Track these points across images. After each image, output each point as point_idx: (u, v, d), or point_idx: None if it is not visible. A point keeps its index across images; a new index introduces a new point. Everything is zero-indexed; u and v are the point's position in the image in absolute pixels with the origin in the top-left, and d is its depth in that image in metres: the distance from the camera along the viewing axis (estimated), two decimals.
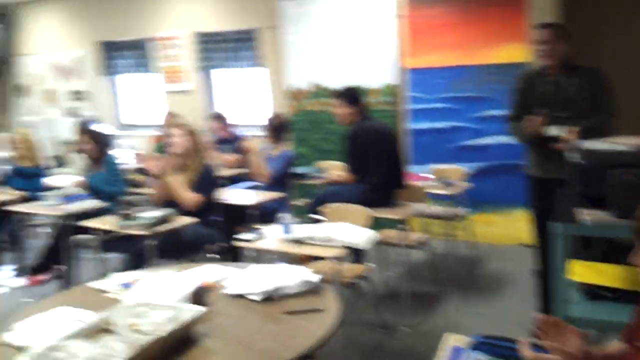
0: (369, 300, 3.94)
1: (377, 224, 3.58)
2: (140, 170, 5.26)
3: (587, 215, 2.07)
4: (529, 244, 4.97)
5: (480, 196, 5.29)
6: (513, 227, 5.35)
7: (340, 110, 4.13)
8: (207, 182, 4.00)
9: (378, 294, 4.08)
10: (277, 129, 4.93)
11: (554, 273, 2.08)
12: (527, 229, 5.13)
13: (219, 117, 6.03)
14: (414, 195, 4.31)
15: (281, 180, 4.80)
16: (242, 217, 4.29)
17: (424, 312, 3.95)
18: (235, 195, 4.57)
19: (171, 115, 6.29)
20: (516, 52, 5.14)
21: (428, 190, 4.46)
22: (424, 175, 5.01)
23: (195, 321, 1.92)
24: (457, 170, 5.06)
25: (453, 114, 5.54)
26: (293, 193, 5.35)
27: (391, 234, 4.23)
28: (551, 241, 2.06)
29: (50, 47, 8.30)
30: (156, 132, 6.57)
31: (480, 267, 4.89)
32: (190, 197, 3.87)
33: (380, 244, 4.22)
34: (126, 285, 2.40)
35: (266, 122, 5.00)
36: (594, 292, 2.22)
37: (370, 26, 5.84)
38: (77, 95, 8.20)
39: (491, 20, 5.27)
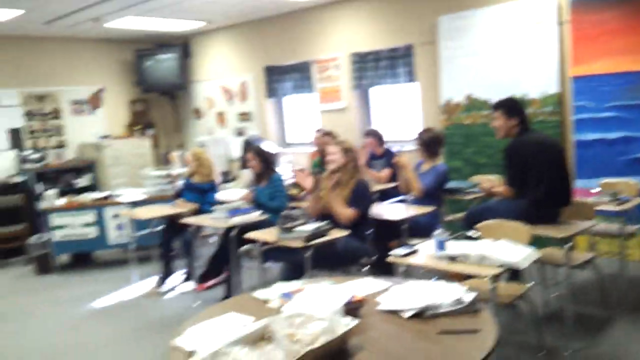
0: (528, 322, 3.73)
1: (539, 242, 3.38)
2: (296, 185, 5.53)
3: None
4: None
5: None
6: None
7: (499, 122, 3.97)
8: (361, 197, 4.10)
9: (538, 315, 3.84)
10: (430, 143, 4.89)
11: None
12: None
13: (373, 134, 6.13)
14: (580, 211, 3.99)
15: (434, 194, 4.75)
16: (396, 231, 4.32)
17: (590, 336, 3.65)
18: (388, 210, 4.61)
19: (321, 133, 6.53)
20: None
21: (596, 207, 4.11)
22: (591, 191, 4.64)
23: (348, 333, 1.97)
24: (629, 184, 4.61)
25: (625, 124, 5.07)
26: (446, 208, 5.27)
27: (554, 252, 3.98)
28: None
29: (221, 73, 9.08)
30: (312, 149, 6.88)
31: None
32: (345, 212, 4.00)
33: (542, 263, 4.00)
34: (287, 296, 2.52)
35: (418, 137, 4.99)
36: None
37: (530, 34, 5.59)
38: (244, 116, 8.86)
39: None
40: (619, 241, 4.35)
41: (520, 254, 2.98)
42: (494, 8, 5.82)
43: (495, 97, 5.52)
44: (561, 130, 5.51)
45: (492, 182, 4.19)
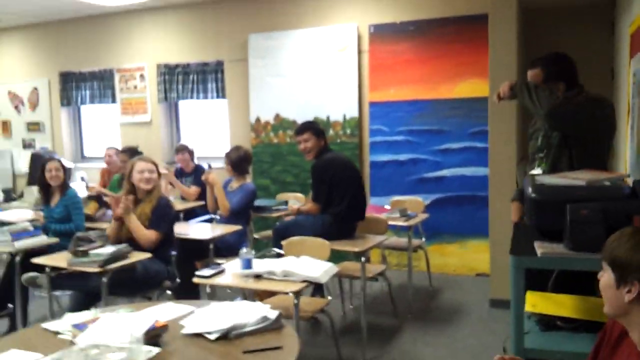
0: (328, 335, 3.90)
1: (337, 257, 3.57)
2: (95, 198, 5.13)
3: (542, 248, 2.10)
4: (486, 274, 5.07)
5: (438, 227, 5.39)
6: (469, 257, 5.44)
7: (311, 143, 4.15)
8: (163, 217, 3.87)
9: (337, 327, 4.04)
10: (238, 161, 4.87)
11: (513, 305, 2.10)
12: (482, 259, 5.25)
13: (186, 149, 5.96)
14: (374, 227, 4.32)
15: (241, 213, 4.75)
16: (201, 252, 4.22)
17: (382, 344, 3.93)
18: (193, 230, 4.49)
19: (115, 150, 6.11)
20: (476, 86, 5.30)
21: (388, 222, 4.48)
22: (384, 207, 5.05)
23: None
24: (416, 202, 5.13)
25: (413, 147, 5.64)
26: (253, 226, 5.31)
27: (351, 266, 4.23)
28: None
29: (9, 77, 8.11)
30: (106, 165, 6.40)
31: (437, 298, 4.92)
32: (145, 234, 3.73)
33: (340, 276, 4.22)
34: (79, 327, 2.30)
35: (227, 155, 4.96)
36: (549, 323, 2.25)
37: (334, 60, 5.94)
38: (34, 126, 8.01)
39: (453, 56, 5.45)
40: (407, 254, 4.78)
41: (320, 268, 3.11)
42: (301, 32, 6.09)
43: (302, 117, 5.79)
44: (359, 152, 5.93)
45: (303, 206, 4.34)
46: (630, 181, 2.18)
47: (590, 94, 2.78)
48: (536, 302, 2.27)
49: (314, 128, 4.21)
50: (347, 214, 4.05)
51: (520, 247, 2.18)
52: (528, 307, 2.19)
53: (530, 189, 2.25)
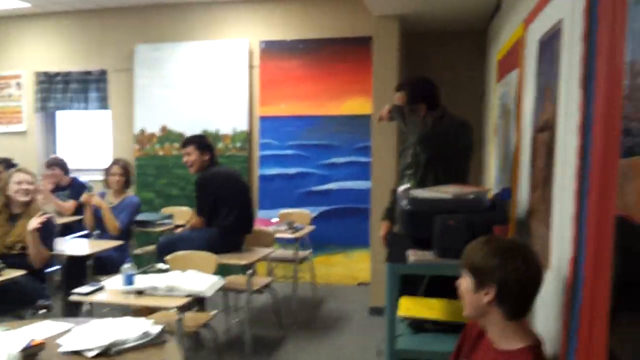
0: (212, 349, 3.86)
1: (224, 270, 3.56)
2: None
3: (414, 256, 2.25)
4: (367, 283, 5.28)
5: (324, 238, 5.53)
6: (352, 267, 5.64)
7: (194, 157, 4.12)
8: (51, 232, 3.71)
9: (221, 341, 4.02)
10: (121, 174, 4.69)
11: (387, 309, 2.23)
12: (364, 269, 5.47)
13: (58, 164, 5.60)
14: (262, 239, 4.36)
15: (124, 228, 4.58)
16: (81, 268, 4.01)
17: (266, 356, 3.96)
18: (73, 246, 4.26)
19: None
20: (362, 104, 5.55)
21: (275, 235, 4.54)
22: (272, 220, 5.11)
23: None
24: (303, 214, 5.24)
25: (302, 161, 5.77)
26: (136, 241, 5.13)
27: (237, 279, 4.23)
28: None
29: None
30: None
31: (321, 308, 5.04)
32: (45, 254, 3.57)
33: (226, 290, 4.21)
34: None
35: (108, 168, 4.76)
36: (419, 326, 2.41)
37: (224, 74, 5.94)
38: None
39: (339, 74, 5.67)
40: (293, 265, 4.86)
41: (206, 282, 3.09)
42: (191, 44, 6.02)
43: (190, 130, 5.72)
44: (248, 165, 5.95)
45: (188, 220, 4.30)
46: (488, 194, 2.39)
47: (454, 117, 3.05)
48: (409, 307, 2.42)
49: (198, 142, 4.18)
50: (234, 227, 4.06)
51: (395, 256, 2.32)
52: (402, 312, 2.33)
53: (404, 201, 2.41)
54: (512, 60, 3.09)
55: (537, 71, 2.25)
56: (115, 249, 4.26)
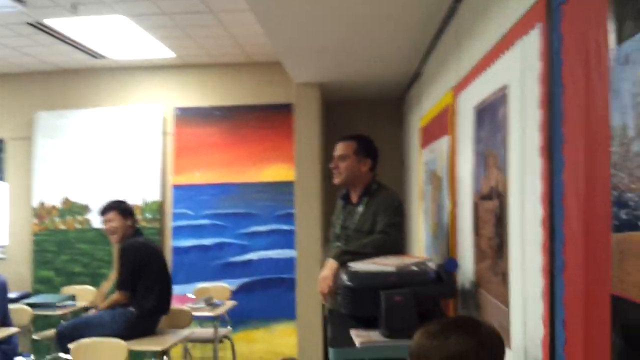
0: None
1: (133, 356, 3.18)
2: None
3: (358, 337, 2.06)
4: (293, 358, 4.98)
5: (244, 313, 5.20)
6: (276, 342, 5.32)
7: (116, 223, 3.78)
8: None
9: None
10: None
11: None
12: (289, 343, 5.17)
13: None
14: (177, 319, 3.98)
15: (3, 313, 3.92)
16: None
17: None
18: None
19: None
20: (282, 171, 5.40)
21: (192, 313, 4.17)
22: (188, 295, 4.74)
23: None
24: (222, 288, 4.96)
25: (219, 230, 5.47)
26: (32, 326, 4.54)
27: None
28: None
29: None
30: None
31: None
32: None
33: None
34: None
35: None
36: None
37: (135, 141, 5.60)
38: None
39: (259, 142, 5.52)
40: (212, 345, 4.49)
41: None
42: (99, 110, 5.66)
43: (95, 201, 5.30)
44: (161, 237, 5.56)
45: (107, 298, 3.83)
46: (432, 265, 2.27)
47: (393, 192, 2.92)
48: None
49: (120, 207, 3.84)
50: (155, 308, 3.68)
51: (338, 338, 2.11)
52: None
53: (345, 277, 2.23)
54: (439, 127, 3.09)
55: (475, 138, 2.21)
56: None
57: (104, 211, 3.85)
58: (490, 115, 1.98)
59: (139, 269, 3.65)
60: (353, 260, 2.42)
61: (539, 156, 1.44)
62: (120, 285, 3.69)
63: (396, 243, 2.69)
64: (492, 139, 1.95)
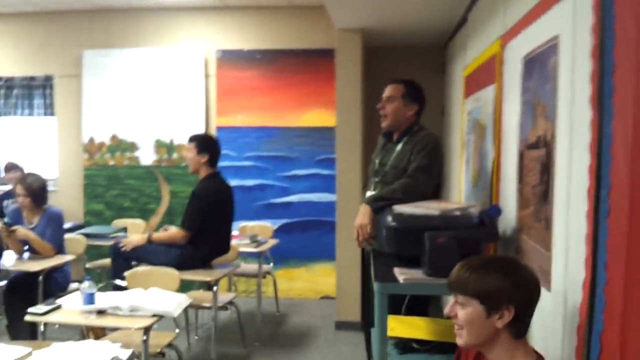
0: None
1: (182, 286, 3.41)
2: None
3: (402, 275, 2.19)
4: (331, 297, 5.21)
5: (285, 252, 5.42)
6: (315, 280, 5.55)
7: (189, 154, 3.92)
8: None
9: None
10: (40, 190, 4.04)
11: (375, 329, 2.15)
12: (327, 282, 5.40)
13: (14, 167, 5.35)
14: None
15: (58, 246, 4.05)
16: (32, 286, 3.71)
17: None
18: (16, 261, 3.86)
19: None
20: (322, 116, 5.49)
21: (238, 249, 4.39)
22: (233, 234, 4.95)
23: None
24: (265, 227, 5.12)
25: (261, 172, 5.64)
26: (86, 255, 4.84)
27: (198, 295, 4.06)
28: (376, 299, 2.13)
29: None
30: None
31: (285, 323, 4.92)
32: None
33: (189, 307, 4.01)
34: None
35: (26, 184, 3.99)
36: (405, 345, 2.34)
37: (179, 82, 5.74)
38: None
39: (299, 86, 5.59)
40: (255, 280, 4.72)
41: (172, 301, 2.92)
42: (142, 50, 5.79)
43: (142, 140, 5.52)
44: None
45: (165, 232, 3.92)
46: (474, 210, 2.36)
47: (432, 134, 2.98)
48: (394, 326, 2.35)
49: (199, 140, 3.92)
50: (215, 250, 3.87)
51: (382, 274, 2.25)
52: (388, 332, 2.26)
53: (389, 218, 2.35)
54: (485, 76, 3.11)
55: (523, 88, 2.25)
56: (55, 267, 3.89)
57: (189, 140, 3.95)
58: (540, 65, 2.02)
59: (209, 212, 3.76)
60: (386, 206, 2.52)
61: (589, 106, 1.50)
62: (186, 224, 3.77)
63: (425, 186, 2.74)
64: (541, 89, 1.99)
